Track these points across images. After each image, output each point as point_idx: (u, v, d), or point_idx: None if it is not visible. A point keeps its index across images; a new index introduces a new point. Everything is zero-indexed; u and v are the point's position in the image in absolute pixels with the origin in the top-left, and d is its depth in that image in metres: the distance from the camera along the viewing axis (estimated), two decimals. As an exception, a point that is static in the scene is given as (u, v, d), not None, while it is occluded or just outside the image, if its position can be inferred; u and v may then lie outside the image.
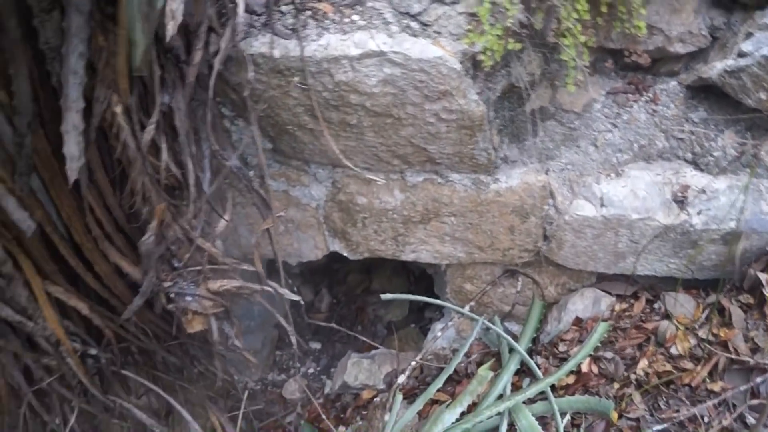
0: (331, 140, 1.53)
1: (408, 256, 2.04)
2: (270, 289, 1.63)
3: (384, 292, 2.79)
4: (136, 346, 1.88)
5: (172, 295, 1.62)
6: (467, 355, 2.14)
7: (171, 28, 1.28)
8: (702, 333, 1.80)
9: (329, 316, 2.79)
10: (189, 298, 1.61)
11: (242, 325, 1.78)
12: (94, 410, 1.77)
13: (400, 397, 1.98)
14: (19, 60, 1.28)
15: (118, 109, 1.49)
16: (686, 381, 1.74)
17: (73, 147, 1.40)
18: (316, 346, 2.68)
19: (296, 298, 1.67)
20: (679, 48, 1.70)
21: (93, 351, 1.71)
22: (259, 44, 1.55)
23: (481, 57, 1.52)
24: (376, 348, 2.46)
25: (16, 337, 1.65)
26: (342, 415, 2.36)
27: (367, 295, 2.85)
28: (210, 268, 1.61)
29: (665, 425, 1.70)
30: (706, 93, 1.78)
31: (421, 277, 2.78)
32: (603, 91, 1.93)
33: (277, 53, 1.53)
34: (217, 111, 1.67)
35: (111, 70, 1.42)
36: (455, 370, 2.10)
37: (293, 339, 1.79)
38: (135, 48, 1.29)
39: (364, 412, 2.32)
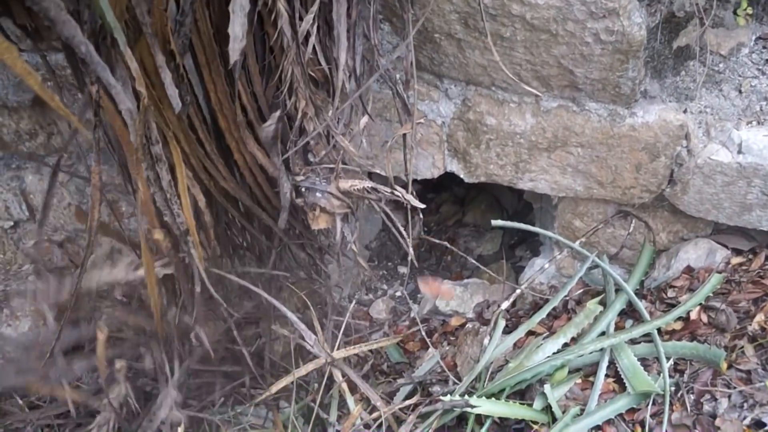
0: (494, 50, 1.49)
1: (525, 185, 2.02)
2: (398, 195, 1.63)
3: (477, 226, 2.80)
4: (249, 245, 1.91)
5: (302, 189, 1.63)
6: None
7: None
8: (829, 294, 1.75)
9: (419, 243, 2.80)
10: (319, 194, 1.62)
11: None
12: (208, 309, 1.81)
13: (503, 322, 1.99)
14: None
15: (281, -5, 1.48)
16: (806, 340, 1.70)
17: (237, 27, 1.40)
18: (404, 270, 2.70)
19: (422, 205, 1.67)
20: None
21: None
22: (428, -58, 1.52)
23: (658, -25, 1.46)
24: (471, 275, 2.47)
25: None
26: (428, 339, 2.39)
27: (458, 227, 2.85)
28: (342, 167, 1.62)
29: (780, 380, 1.67)
30: None
31: (515, 215, 2.77)
32: (753, 36, 1.85)
33: (445, -48, 1.50)
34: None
35: (281, -48, 1.41)
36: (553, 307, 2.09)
37: (409, 251, 1.79)
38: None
39: (452, 338, 2.34)
